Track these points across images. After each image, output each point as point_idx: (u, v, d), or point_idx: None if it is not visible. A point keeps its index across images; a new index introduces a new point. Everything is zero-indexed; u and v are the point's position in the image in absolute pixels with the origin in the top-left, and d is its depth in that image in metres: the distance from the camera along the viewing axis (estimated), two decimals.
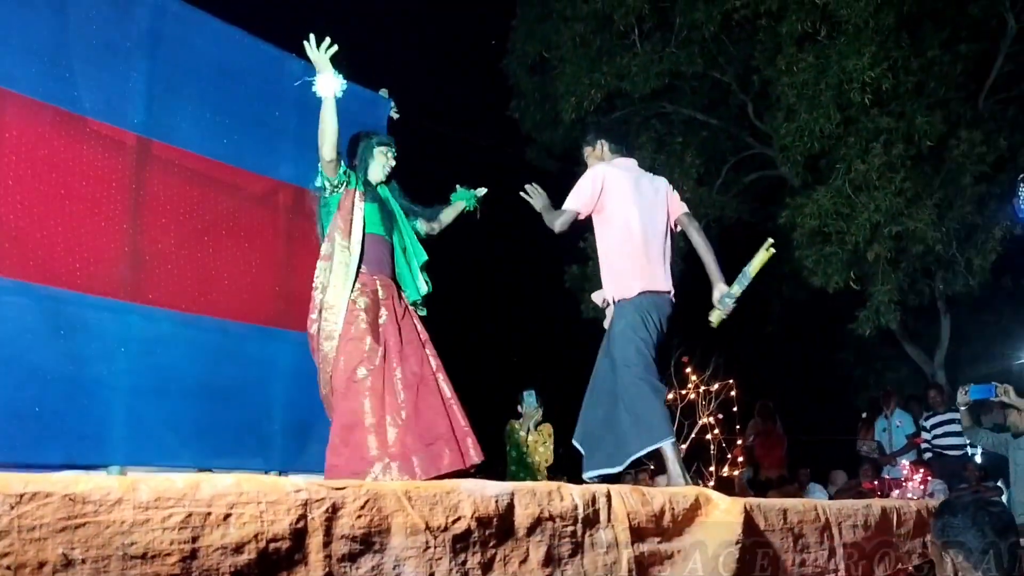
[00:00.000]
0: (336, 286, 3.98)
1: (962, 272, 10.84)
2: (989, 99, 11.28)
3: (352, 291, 4.01)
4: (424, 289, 4.36)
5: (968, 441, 8.38)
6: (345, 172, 4.23)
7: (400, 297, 4.26)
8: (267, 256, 4.88)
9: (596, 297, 4.49)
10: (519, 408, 7.35)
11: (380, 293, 4.14)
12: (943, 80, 10.46)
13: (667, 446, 3.95)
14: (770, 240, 4.39)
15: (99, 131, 4.53)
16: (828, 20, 10.17)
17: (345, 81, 4.13)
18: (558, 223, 4.27)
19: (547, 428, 6.98)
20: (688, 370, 8.42)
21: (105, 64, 4.58)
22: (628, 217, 4.27)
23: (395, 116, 6.09)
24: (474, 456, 3.97)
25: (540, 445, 6.87)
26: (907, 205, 9.95)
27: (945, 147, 10.27)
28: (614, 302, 4.28)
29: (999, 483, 8.02)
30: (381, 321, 4.05)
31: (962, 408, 6.52)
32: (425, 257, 4.44)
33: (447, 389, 4.09)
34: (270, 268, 4.89)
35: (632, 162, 4.56)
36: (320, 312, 3.98)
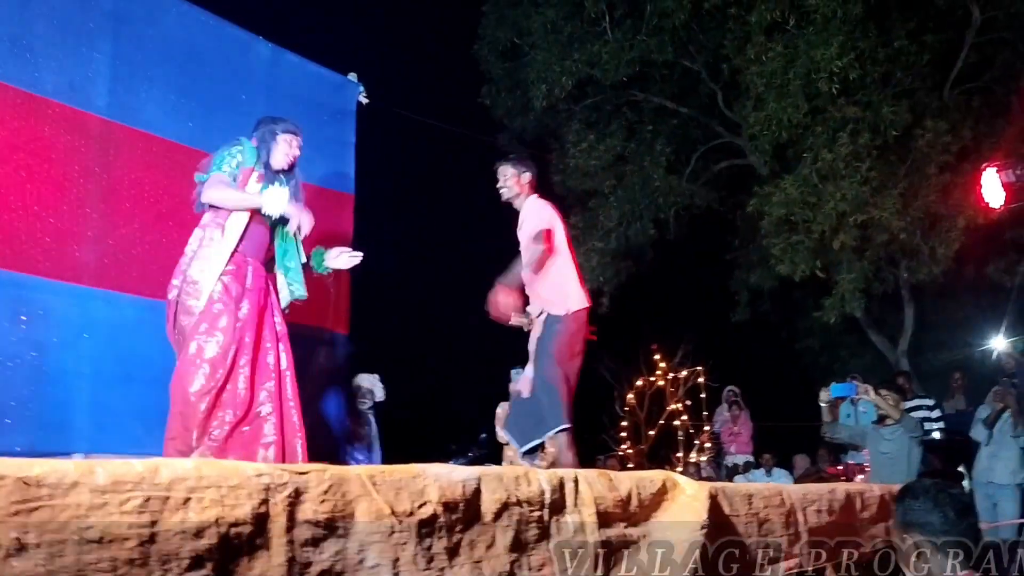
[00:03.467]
0: (207, 261, 3.82)
1: (926, 260, 10.96)
2: (954, 89, 11.40)
3: (223, 273, 3.84)
4: (292, 297, 4.22)
5: (940, 426, 8.53)
6: (239, 150, 4.04)
7: (268, 286, 4.08)
8: None
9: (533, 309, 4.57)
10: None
11: (248, 280, 3.94)
12: (909, 70, 10.56)
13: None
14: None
15: (62, 113, 4.45)
16: (797, 10, 10.22)
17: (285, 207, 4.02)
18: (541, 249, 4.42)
19: None
20: (657, 357, 8.45)
21: (67, 45, 4.49)
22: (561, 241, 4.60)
23: (364, 101, 6.04)
24: (299, 458, 3.87)
25: None
26: (873, 194, 10.05)
27: (911, 137, 10.37)
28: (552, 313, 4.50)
29: (960, 468, 8.15)
30: (242, 314, 3.86)
31: (823, 405, 6.62)
32: (304, 259, 4.28)
33: (289, 389, 3.98)
34: None
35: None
36: (183, 281, 3.82)
